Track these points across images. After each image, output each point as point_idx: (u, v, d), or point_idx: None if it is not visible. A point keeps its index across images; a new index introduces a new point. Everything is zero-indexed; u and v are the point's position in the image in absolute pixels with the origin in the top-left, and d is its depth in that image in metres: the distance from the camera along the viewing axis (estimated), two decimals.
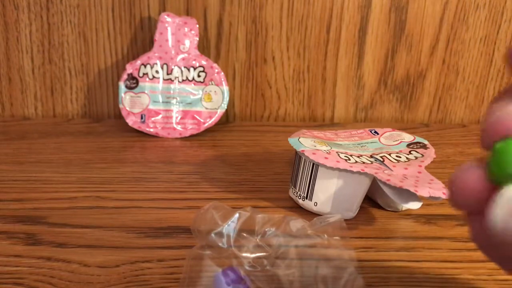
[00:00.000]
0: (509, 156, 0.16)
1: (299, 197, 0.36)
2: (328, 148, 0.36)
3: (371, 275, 0.30)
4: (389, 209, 0.37)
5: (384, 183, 0.33)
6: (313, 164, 0.35)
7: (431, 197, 0.32)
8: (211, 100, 0.51)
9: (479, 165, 0.18)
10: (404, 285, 0.29)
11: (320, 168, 0.34)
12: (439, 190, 0.32)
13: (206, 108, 0.51)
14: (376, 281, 0.29)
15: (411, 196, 0.34)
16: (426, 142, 0.39)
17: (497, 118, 0.17)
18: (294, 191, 0.37)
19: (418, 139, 0.40)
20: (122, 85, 0.51)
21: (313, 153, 0.35)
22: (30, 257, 0.30)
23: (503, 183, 0.17)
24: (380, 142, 0.40)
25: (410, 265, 0.31)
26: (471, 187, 0.18)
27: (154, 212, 0.36)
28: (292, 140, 0.37)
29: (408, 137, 0.41)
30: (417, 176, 0.34)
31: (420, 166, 0.35)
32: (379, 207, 0.38)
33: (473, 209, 0.19)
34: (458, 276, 0.29)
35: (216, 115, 0.52)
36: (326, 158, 0.34)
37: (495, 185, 0.17)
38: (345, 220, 0.36)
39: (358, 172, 0.34)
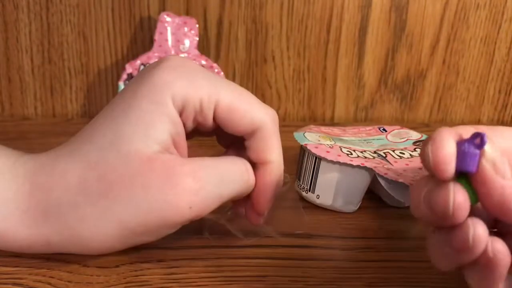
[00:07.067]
0: None
1: (303, 190, 0.37)
2: (332, 142, 0.37)
3: (371, 275, 0.30)
4: (392, 205, 0.38)
5: (382, 177, 0.35)
6: (316, 157, 0.35)
7: None
8: None
9: None
10: (404, 285, 0.29)
11: (322, 162, 0.35)
12: None
13: None
14: (376, 281, 0.29)
15: (409, 191, 0.34)
16: None
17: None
18: (298, 183, 0.38)
19: (426, 137, 0.40)
20: (121, 85, 0.51)
21: (316, 147, 0.35)
22: (30, 257, 0.29)
23: None
24: (387, 139, 0.41)
25: (410, 265, 0.31)
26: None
27: None
28: (297, 135, 0.38)
29: (415, 135, 0.42)
30: (417, 171, 0.35)
31: None
32: (380, 206, 0.38)
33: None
34: (457, 276, 0.29)
35: None
36: (327, 152, 0.35)
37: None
38: (347, 213, 0.37)
39: (358, 166, 0.35)
